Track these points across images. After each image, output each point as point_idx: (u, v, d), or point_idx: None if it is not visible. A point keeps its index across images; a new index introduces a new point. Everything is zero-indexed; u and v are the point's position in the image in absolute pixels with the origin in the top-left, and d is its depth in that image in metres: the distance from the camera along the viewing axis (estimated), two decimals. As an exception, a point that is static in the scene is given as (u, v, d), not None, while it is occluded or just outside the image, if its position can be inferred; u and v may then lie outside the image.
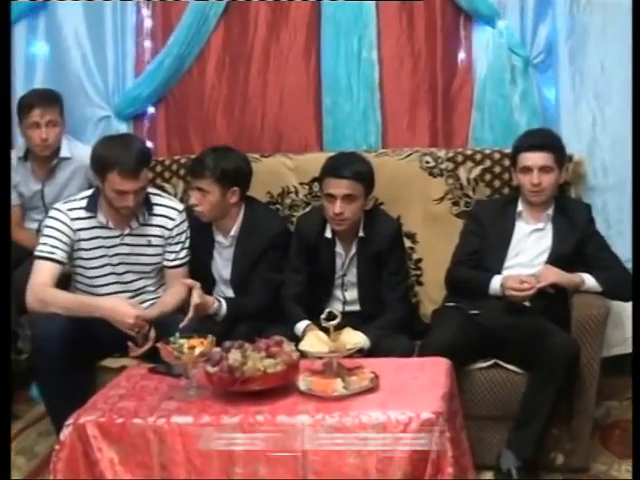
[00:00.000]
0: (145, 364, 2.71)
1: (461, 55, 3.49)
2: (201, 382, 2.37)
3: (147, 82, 3.66)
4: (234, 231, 3.14)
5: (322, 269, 3.08)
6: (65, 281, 3.00)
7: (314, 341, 2.42)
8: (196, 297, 2.84)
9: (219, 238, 3.19)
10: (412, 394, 2.28)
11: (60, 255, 2.90)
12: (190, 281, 2.91)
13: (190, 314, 2.79)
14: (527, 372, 2.78)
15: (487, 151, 3.32)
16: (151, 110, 3.74)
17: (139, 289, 3.05)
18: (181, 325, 2.66)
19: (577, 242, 2.97)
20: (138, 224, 2.99)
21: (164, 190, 3.39)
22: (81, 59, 3.70)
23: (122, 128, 3.69)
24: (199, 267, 3.13)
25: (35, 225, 3.46)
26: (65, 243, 2.92)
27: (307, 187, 3.40)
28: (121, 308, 2.77)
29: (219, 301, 3.02)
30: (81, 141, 3.56)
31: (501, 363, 2.83)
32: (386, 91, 3.55)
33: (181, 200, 3.32)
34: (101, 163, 2.86)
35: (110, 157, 2.82)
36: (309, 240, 3.08)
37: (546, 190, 2.98)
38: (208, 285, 3.10)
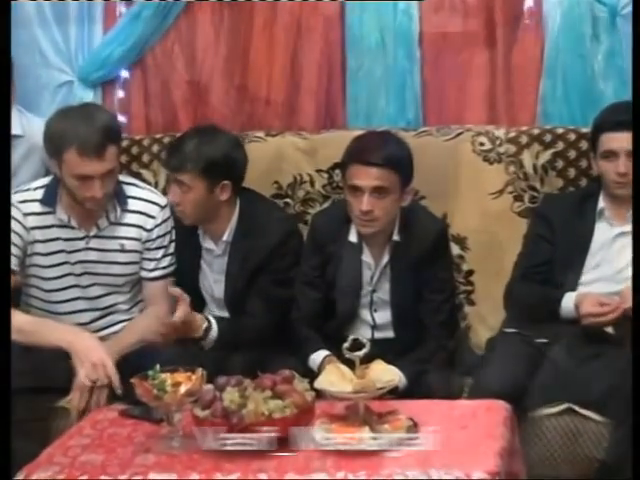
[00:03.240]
0: (115, 405, 2.72)
1: (527, 3, 3.50)
2: (188, 430, 2.39)
3: (120, 39, 3.71)
4: (227, 235, 3.16)
5: (345, 283, 3.10)
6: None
7: (335, 377, 2.43)
8: (181, 314, 2.86)
9: (208, 245, 3.21)
10: (460, 448, 2.29)
11: (10, 261, 2.92)
12: (178, 291, 2.91)
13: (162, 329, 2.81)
14: (610, 420, 2.79)
15: (560, 130, 3.33)
16: (125, 75, 3.78)
17: (109, 307, 3.10)
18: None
19: (677, 250, 2.99)
20: (108, 223, 3.03)
21: (142, 179, 3.42)
22: (35, 8, 3.74)
23: (88, 97, 3.74)
24: (182, 283, 3.14)
25: (-24, 223, 3.51)
26: (16, 245, 2.95)
27: (326, 176, 3.44)
28: (85, 340, 2.80)
29: (208, 321, 3.02)
30: (35, 114, 3.59)
31: (576, 408, 2.84)
32: (428, 51, 3.58)
33: (164, 192, 3.33)
34: (55, 140, 2.88)
35: (66, 131, 2.84)
36: (328, 245, 3.10)
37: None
38: (195, 306, 3.08)
